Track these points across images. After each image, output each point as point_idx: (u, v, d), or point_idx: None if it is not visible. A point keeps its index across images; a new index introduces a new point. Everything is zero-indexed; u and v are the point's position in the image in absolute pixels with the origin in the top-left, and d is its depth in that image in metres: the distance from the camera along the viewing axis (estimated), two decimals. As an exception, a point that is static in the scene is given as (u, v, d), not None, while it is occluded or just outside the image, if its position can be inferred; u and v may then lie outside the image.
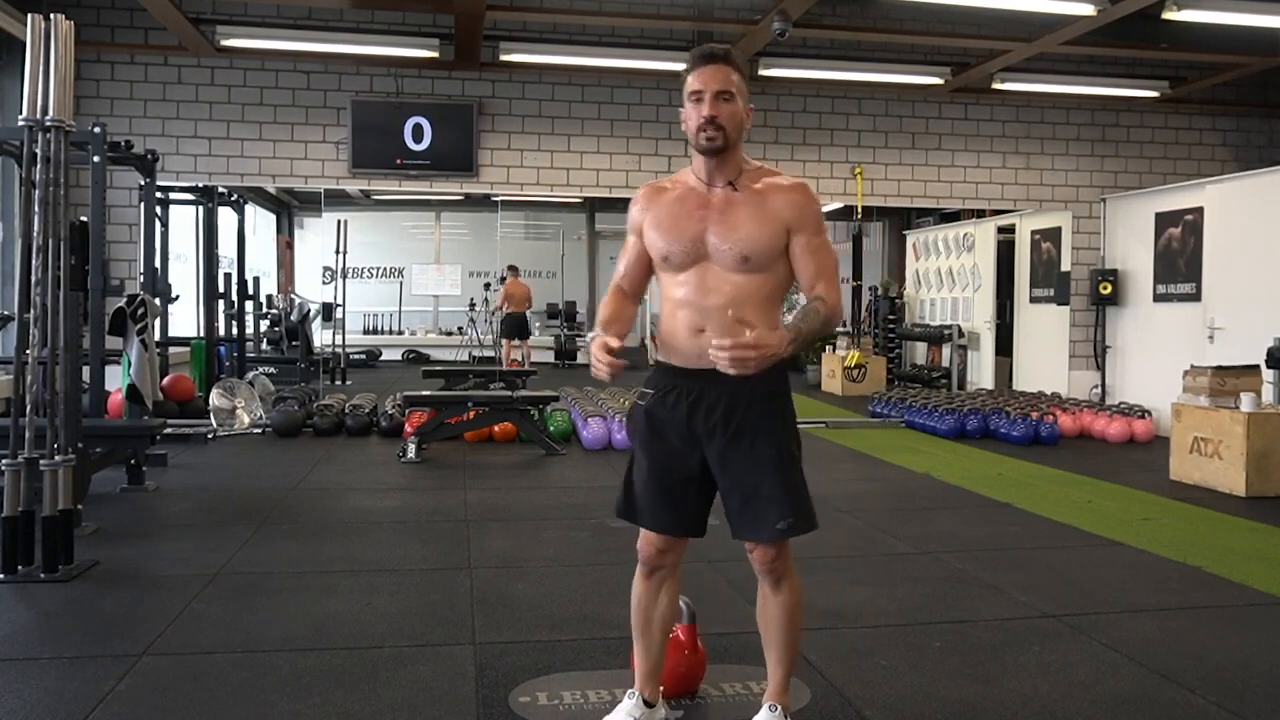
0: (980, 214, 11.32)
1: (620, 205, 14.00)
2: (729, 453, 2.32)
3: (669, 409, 2.36)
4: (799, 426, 2.44)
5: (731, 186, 2.33)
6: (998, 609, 3.65)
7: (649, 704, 2.52)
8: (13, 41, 7.56)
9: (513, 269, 13.44)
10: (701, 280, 2.31)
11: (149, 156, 6.65)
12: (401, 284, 15.02)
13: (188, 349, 9.19)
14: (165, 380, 7.80)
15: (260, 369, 9.77)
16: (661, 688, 2.59)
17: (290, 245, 12.99)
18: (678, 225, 2.33)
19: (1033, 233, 10.43)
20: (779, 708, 2.44)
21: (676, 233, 2.33)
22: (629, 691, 2.54)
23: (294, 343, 11.66)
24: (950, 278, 12.18)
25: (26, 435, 3.99)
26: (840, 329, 14.09)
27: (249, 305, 10.59)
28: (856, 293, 11.67)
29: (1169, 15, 7.09)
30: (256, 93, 8.42)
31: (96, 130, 5.46)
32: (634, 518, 2.45)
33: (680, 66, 2.39)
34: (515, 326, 13.19)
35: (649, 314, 14.55)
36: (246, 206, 10.13)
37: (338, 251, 12.01)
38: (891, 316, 13.07)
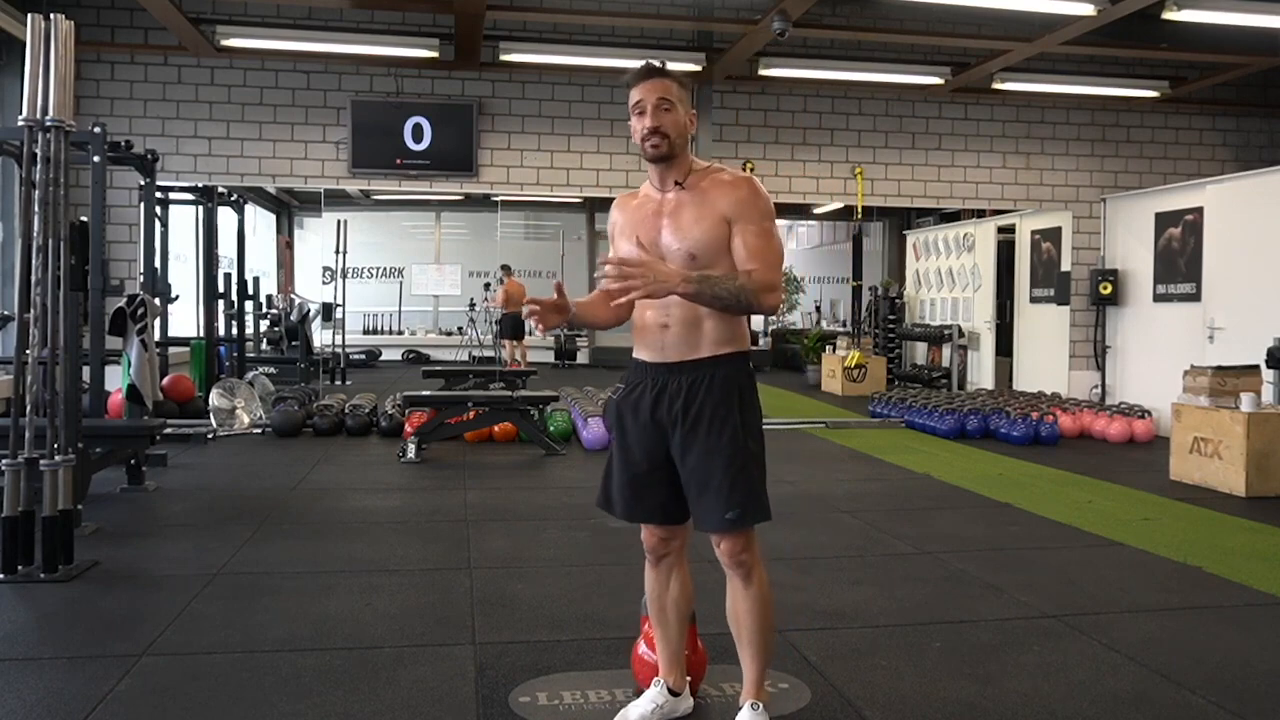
0: (980, 214, 11.31)
1: (620, 205, 14.03)
2: (687, 441, 2.41)
3: (635, 401, 2.49)
4: (776, 426, 2.48)
5: (679, 186, 2.45)
6: (998, 609, 3.65)
7: (674, 692, 2.60)
8: (13, 41, 7.56)
9: (505, 269, 13.42)
10: None
11: (149, 156, 6.65)
12: (401, 284, 15.01)
13: (188, 349, 9.19)
14: (165, 380, 7.80)
15: (260, 369, 9.77)
16: (688, 677, 2.66)
17: (290, 245, 12.99)
18: (640, 230, 2.46)
19: (1033, 233, 10.43)
20: (760, 705, 2.48)
21: (639, 237, 2.45)
22: (655, 679, 2.62)
23: (294, 343, 11.65)
24: (950, 278, 12.18)
25: (26, 435, 4.00)
26: (840, 329, 14.10)
27: (249, 305, 10.58)
28: (856, 293, 11.67)
29: (1169, 15, 7.09)
30: (256, 93, 8.42)
31: (96, 130, 5.46)
32: (609, 508, 2.57)
33: (681, 66, 2.46)
34: (515, 326, 13.20)
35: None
36: (246, 206, 10.13)
37: (338, 251, 12.01)
38: (891, 316, 13.07)
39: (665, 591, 2.59)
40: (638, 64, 2.46)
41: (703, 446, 2.39)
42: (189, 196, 9.31)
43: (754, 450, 2.43)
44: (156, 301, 6.50)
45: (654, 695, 2.59)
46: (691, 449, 2.40)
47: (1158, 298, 8.84)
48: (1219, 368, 6.32)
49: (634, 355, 2.53)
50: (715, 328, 2.41)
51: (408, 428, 7.48)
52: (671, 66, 2.45)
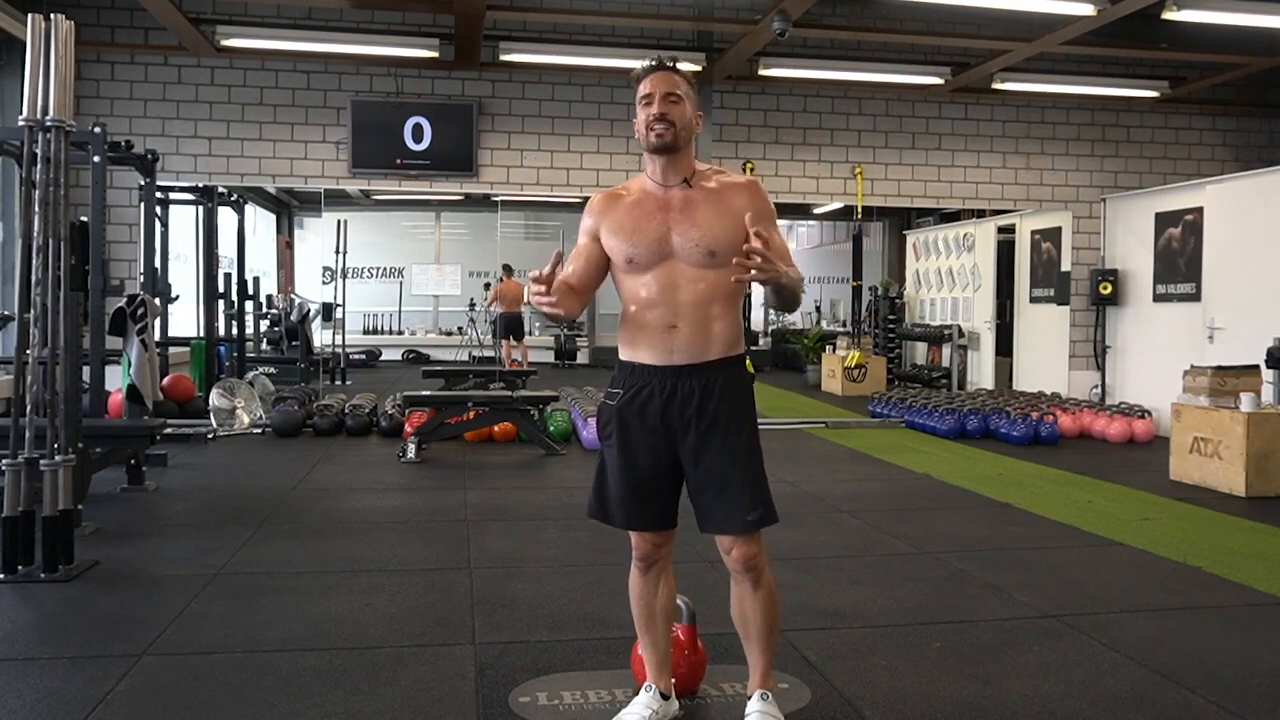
0: (980, 214, 11.31)
1: (620, 205, 14.07)
2: (703, 444, 2.39)
3: (641, 406, 2.42)
4: (775, 426, 2.50)
5: (686, 184, 2.42)
6: (998, 609, 3.65)
7: (665, 696, 2.59)
8: (13, 41, 7.56)
9: (507, 268, 13.44)
10: (669, 278, 2.38)
11: (149, 156, 6.65)
12: (401, 284, 15.02)
13: (188, 349, 9.19)
14: (165, 380, 7.79)
15: (260, 369, 9.77)
16: (673, 679, 2.65)
17: (290, 245, 12.99)
18: (639, 227, 2.40)
19: (1033, 233, 10.43)
20: (769, 695, 2.49)
21: (639, 235, 2.39)
22: (645, 685, 2.60)
23: (294, 343, 11.65)
24: (950, 278, 12.17)
25: (26, 435, 4.00)
26: (840, 329, 14.11)
27: (249, 305, 10.58)
28: (856, 293, 11.67)
29: (1169, 15, 7.09)
30: (256, 93, 8.42)
31: (96, 130, 5.46)
32: (606, 518, 2.51)
33: (683, 66, 2.45)
34: (511, 326, 13.20)
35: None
36: (246, 206, 10.13)
37: (338, 251, 12.01)
38: (891, 316, 13.07)
39: (654, 597, 2.56)
40: (639, 63, 2.46)
41: (720, 449, 2.38)
42: (189, 196, 9.31)
43: (760, 453, 2.45)
44: (156, 301, 6.50)
45: (647, 701, 2.57)
46: (707, 451, 2.38)
47: (1158, 298, 8.84)
48: (1219, 368, 6.32)
49: (627, 359, 2.46)
50: (723, 330, 2.41)
51: (408, 428, 7.48)
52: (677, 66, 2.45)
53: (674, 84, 2.39)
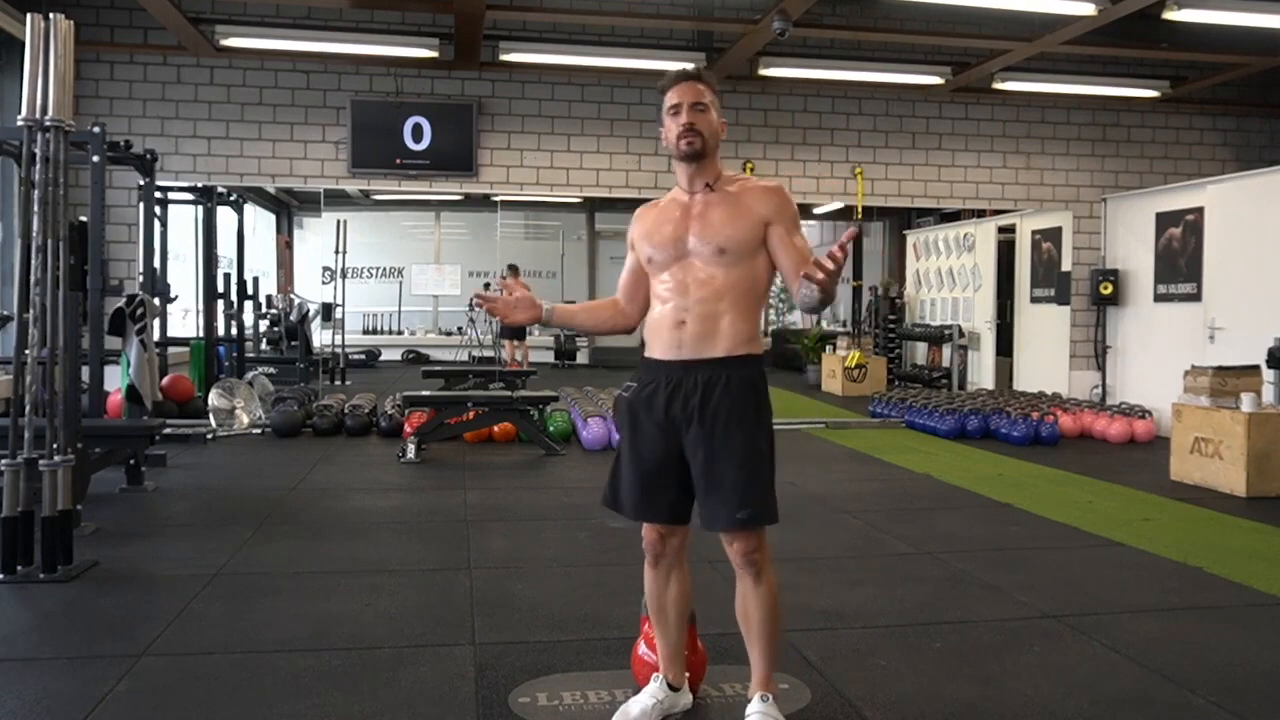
0: (980, 214, 11.31)
1: (620, 205, 14.06)
2: (700, 439, 2.42)
3: (649, 399, 2.49)
4: (776, 427, 2.55)
5: (709, 188, 2.51)
6: (998, 609, 3.65)
7: (673, 687, 2.62)
8: (13, 41, 7.55)
9: (513, 269, 13.44)
10: (683, 276, 2.47)
11: (148, 156, 6.66)
12: (401, 284, 15.01)
13: (187, 349, 9.19)
14: (164, 380, 7.79)
15: (260, 369, 9.76)
16: (688, 674, 2.68)
17: (290, 245, 12.98)
18: (660, 230, 2.51)
19: (1033, 233, 10.43)
20: (769, 696, 2.51)
21: (659, 236, 2.50)
22: (654, 675, 2.64)
23: (293, 343, 11.64)
24: (950, 278, 12.17)
25: (26, 435, 3.99)
26: (841, 329, 14.11)
27: (248, 305, 10.58)
28: (857, 293, 11.67)
29: (1169, 15, 7.09)
30: (256, 92, 8.42)
31: (96, 130, 5.46)
32: (617, 506, 2.58)
33: (680, 66, 2.48)
34: (514, 327, 13.15)
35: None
36: (246, 206, 10.13)
37: (337, 251, 11.99)
38: (891, 316, 13.06)
39: (664, 591, 2.60)
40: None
41: (717, 445, 2.40)
42: (188, 196, 9.31)
43: (766, 452, 2.46)
44: (156, 301, 6.50)
45: (654, 690, 2.60)
46: (705, 447, 2.41)
47: (1158, 298, 8.84)
48: (1219, 368, 6.32)
49: (646, 354, 2.54)
50: (733, 326, 2.44)
51: (407, 428, 7.47)
52: (672, 67, 2.47)
53: (700, 93, 2.46)
